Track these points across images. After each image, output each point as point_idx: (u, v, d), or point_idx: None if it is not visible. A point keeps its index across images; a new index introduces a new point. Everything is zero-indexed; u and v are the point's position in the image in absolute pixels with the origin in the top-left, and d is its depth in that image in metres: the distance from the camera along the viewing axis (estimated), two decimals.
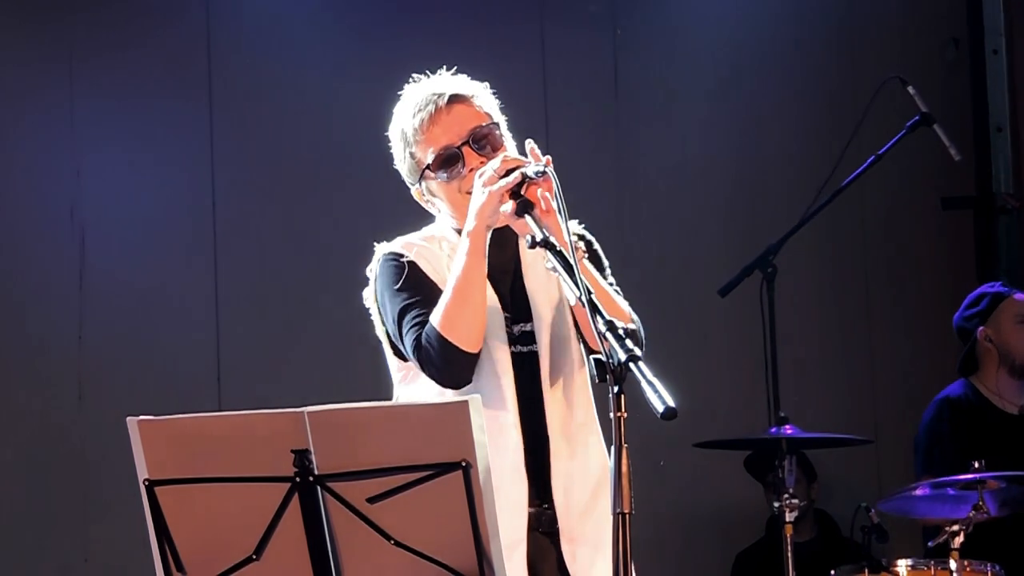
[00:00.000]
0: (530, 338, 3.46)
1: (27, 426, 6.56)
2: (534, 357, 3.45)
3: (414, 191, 3.57)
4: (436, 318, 3.32)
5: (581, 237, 3.49)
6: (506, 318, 3.45)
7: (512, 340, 3.45)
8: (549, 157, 3.33)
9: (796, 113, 7.51)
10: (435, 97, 3.47)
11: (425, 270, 3.46)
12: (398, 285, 3.44)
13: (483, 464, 2.80)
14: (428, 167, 3.46)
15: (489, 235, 3.34)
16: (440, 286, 3.42)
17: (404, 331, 3.39)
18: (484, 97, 3.52)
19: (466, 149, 3.45)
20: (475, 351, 3.33)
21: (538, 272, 3.48)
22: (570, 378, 3.47)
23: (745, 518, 7.07)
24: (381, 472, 2.79)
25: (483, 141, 3.46)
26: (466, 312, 3.30)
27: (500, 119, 3.53)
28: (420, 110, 3.47)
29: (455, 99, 3.48)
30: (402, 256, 3.47)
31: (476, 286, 3.32)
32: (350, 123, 6.78)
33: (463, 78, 3.53)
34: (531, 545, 3.37)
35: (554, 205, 3.25)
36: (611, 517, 3.44)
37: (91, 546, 6.56)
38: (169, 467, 2.83)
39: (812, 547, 6.77)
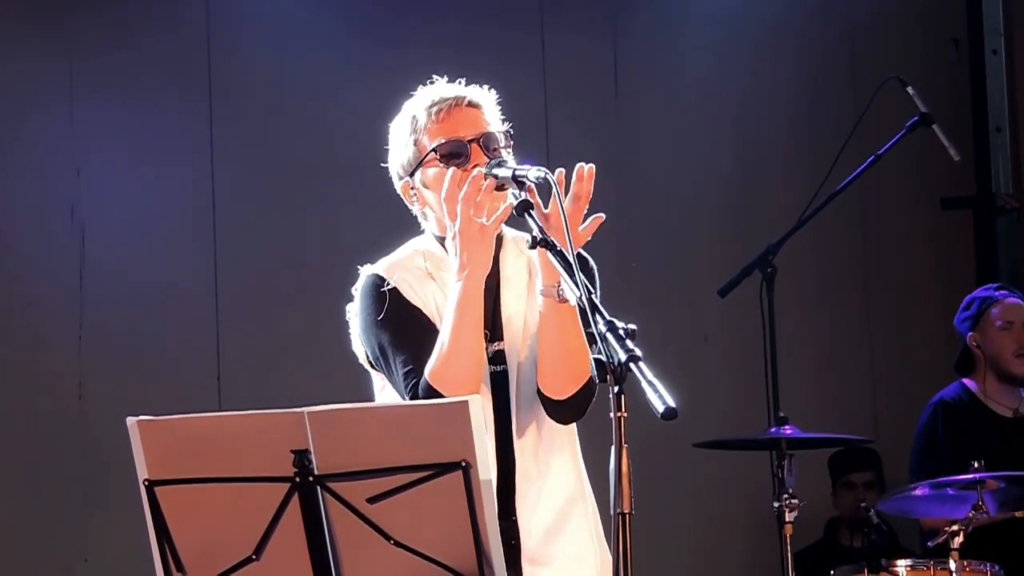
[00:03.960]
0: (500, 358, 3.46)
1: (27, 426, 6.56)
2: (505, 376, 3.45)
3: (401, 185, 3.55)
4: (431, 374, 3.31)
5: (579, 255, 3.47)
6: (485, 335, 3.45)
7: (489, 360, 3.44)
8: (562, 171, 3.30)
9: (796, 113, 7.52)
10: (455, 96, 3.49)
11: (407, 296, 3.45)
12: (380, 316, 3.43)
13: (483, 464, 2.80)
14: (434, 151, 3.45)
15: (484, 281, 3.33)
16: (422, 310, 3.43)
17: (395, 376, 3.40)
18: (494, 111, 3.54)
19: (474, 146, 3.45)
20: None
21: (515, 290, 3.49)
22: (537, 397, 3.46)
23: (744, 518, 7.07)
24: (381, 472, 2.80)
25: (492, 146, 3.46)
26: (461, 365, 3.30)
27: (503, 134, 3.53)
28: (438, 102, 3.48)
29: (473, 104, 3.50)
30: (384, 283, 3.46)
31: (471, 336, 3.31)
32: (350, 123, 6.78)
33: (480, 88, 3.55)
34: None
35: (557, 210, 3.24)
36: (575, 541, 3.46)
37: (91, 546, 6.56)
38: (169, 467, 2.84)
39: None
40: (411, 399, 3.34)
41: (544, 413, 3.45)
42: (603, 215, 3.31)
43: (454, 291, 3.32)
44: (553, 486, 3.46)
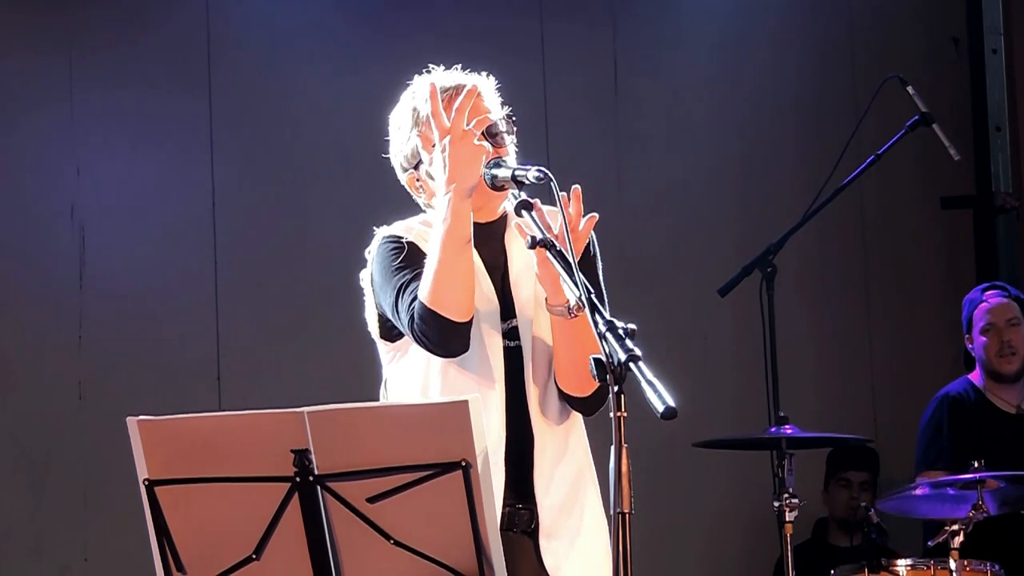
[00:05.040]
0: (514, 334, 3.48)
1: (27, 426, 6.56)
2: (519, 352, 3.47)
3: (406, 178, 3.56)
4: (423, 291, 3.32)
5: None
6: (500, 312, 3.47)
7: (504, 335, 3.47)
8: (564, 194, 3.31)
9: (796, 112, 7.51)
10: (454, 85, 3.50)
11: (424, 249, 3.46)
12: (397, 263, 3.45)
13: (483, 464, 2.80)
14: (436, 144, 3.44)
15: (470, 197, 3.33)
16: None
17: (401, 307, 3.40)
18: (493, 97, 3.54)
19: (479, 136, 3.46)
20: (466, 319, 3.32)
21: (522, 268, 3.50)
22: (551, 372, 3.48)
23: (744, 518, 7.07)
24: (381, 472, 2.80)
25: (495, 132, 3.47)
26: (452, 281, 3.29)
27: (505, 120, 3.53)
28: (439, 93, 3.46)
29: (474, 92, 3.49)
30: (401, 238, 3.49)
31: (460, 253, 3.30)
32: (350, 120, 6.78)
33: (478, 75, 3.56)
34: (505, 544, 3.34)
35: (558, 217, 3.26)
36: (587, 514, 3.48)
37: (91, 546, 6.56)
38: (169, 467, 2.84)
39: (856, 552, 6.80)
40: (410, 323, 3.34)
41: (557, 388, 3.48)
42: (596, 214, 3.33)
43: (441, 205, 3.32)
44: (568, 460, 3.49)
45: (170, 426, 2.85)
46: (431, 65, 3.58)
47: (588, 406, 3.48)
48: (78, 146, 6.72)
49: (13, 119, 6.69)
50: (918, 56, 7.57)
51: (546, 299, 3.38)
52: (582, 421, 3.55)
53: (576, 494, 3.48)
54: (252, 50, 6.95)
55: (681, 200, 7.35)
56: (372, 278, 3.52)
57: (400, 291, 3.41)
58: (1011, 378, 6.09)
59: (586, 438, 3.54)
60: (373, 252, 3.53)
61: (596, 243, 3.53)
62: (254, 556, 2.85)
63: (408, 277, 3.41)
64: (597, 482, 3.52)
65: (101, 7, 6.78)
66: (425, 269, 3.33)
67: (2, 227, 6.64)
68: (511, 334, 3.48)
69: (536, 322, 3.47)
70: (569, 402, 3.48)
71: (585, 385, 3.42)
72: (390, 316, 3.47)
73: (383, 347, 3.56)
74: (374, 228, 3.56)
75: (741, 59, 7.47)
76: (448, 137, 3.31)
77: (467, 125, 3.32)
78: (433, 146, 3.42)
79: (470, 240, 3.33)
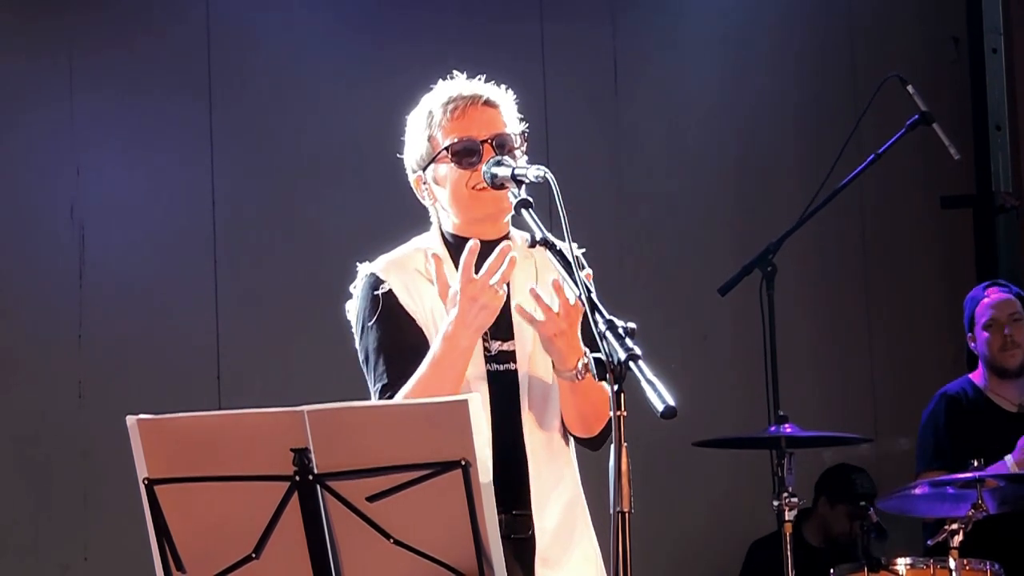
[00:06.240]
0: (507, 357, 3.47)
1: (27, 426, 6.56)
2: (512, 376, 3.46)
3: (414, 179, 3.56)
4: (402, 396, 3.33)
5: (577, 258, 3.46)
6: (485, 336, 3.44)
7: (488, 358, 3.45)
8: (590, 272, 3.29)
9: (796, 112, 7.52)
10: (472, 94, 3.50)
11: (402, 300, 3.45)
12: (372, 321, 3.45)
13: (483, 463, 2.80)
14: (445, 149, 3.45)
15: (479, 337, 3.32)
16: (415, 318, 3.43)
17: (371, 384, 3.43)
18: (511, 111, 3.55)
19: (486, 147, 3.46)
20: None
21: (523, 291, 3.47)
22: (547, 400, 3.46)
23: (744, 517, 7.07)
24: (380, 471, 2.80)
25: (504, 147, 3.46)
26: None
27: (518, 135, 3.54)
28: (454, 99, 3.48)
29: (490, 103, 3.51)
30: (381, 284, 3.47)
31: (449, 381, 3.30)
32: (351, 122, 6.78)
33: (498, 87, 3.56)
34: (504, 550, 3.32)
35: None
36: (583, 542, 3.47)
37: (91, 546, 6.56)
38: (169, 466, 2.84)
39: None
40: None
41: (553, 413, 3.47)
42: (591, 271, 3.29)
43: (438, 345, 3.30)
44: (562, 486, 3.48)
45: (170, 425, 2.85)
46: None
47: (595, 444, 3.50)
48: (78, 146, 6.72)
49: (14, 119, 6.69)
50: (918, 56, 7.58)
51: (553, 365, 3.37)
52: (573, 450, 3.54)
53: (571, 522, 3.47)
54: (252, 53, 6.95)
55: (681, 199, 7.35)
56: (356, 318, 3.53)
57: (372, 362, 3.42)
58: (1014, 372, 6.09)
59: (577, 471, 3.53)
60: (356, 290, 3.53)
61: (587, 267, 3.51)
62: (254, 555, 2.85)
63: (376, 346, 3.42)
64: (588, 513, 3.52)
65: (102, 9, 6.78)
66: (412, 379, 3.32)
67: (2, 227, 6.64)
68: (504, 357, 3.47)
69: (534, 348, 3.45)
70: (579, 443, 3.51)
71: (593, 428, 3.46)
72: (363, 367, 3.49)
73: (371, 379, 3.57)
74: (357, 264, 3.55)
75: (741, 59, 7.48)
76: (465, 288, 3.27)
77: (492, 279, 3.27)
78: (443, 150, 3.44)
79: (463, 371, 3.33)
